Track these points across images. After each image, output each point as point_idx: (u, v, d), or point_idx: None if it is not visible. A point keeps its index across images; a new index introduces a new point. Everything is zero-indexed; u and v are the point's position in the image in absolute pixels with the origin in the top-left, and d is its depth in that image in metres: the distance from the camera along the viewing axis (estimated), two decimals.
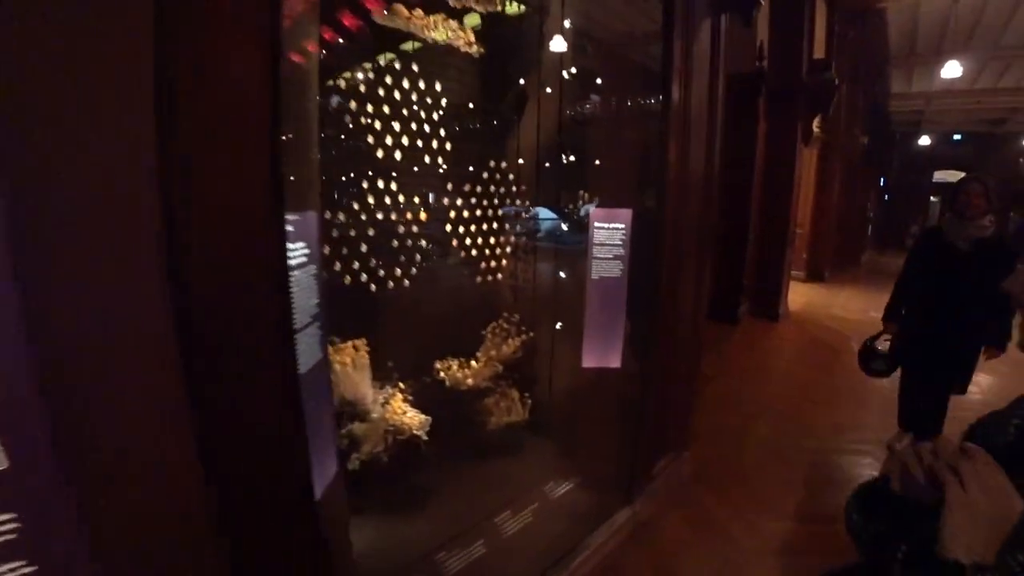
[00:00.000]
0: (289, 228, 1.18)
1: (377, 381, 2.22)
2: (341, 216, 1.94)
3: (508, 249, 2.68)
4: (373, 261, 2.08)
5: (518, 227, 2.77)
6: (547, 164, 2.74)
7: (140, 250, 0.85)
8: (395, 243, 2.16)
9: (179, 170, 0.85)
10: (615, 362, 2.38)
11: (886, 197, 18.20)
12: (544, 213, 3.00)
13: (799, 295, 7.53)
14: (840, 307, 7.35)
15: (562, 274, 2.65)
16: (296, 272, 1.24)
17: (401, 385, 2.19)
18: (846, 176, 9.59)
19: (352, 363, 1.94)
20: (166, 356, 0.91)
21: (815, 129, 6.76)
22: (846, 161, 9.36)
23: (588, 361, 2.38)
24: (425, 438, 2.06)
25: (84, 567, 0.79)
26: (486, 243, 2.59)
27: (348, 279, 1.98)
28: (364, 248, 2.03)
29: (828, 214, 8.82)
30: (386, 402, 2.10)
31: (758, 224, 6.33)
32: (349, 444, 1.98)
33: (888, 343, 3.08)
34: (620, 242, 2.34)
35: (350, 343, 2.00)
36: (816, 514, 2.81)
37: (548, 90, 2.73)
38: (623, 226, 2.34)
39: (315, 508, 1.27)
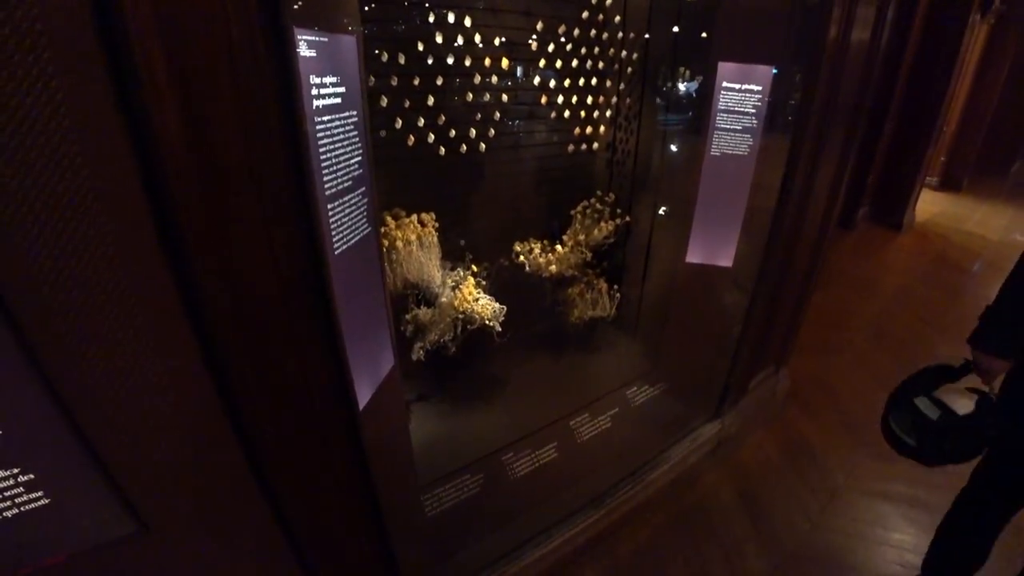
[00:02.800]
0: (308, 51, 0.84)
1: (447, 262, 1.97)
2: (401, 58, 1.55)
3: (608, 114, 2.21)
4: (442, 118, 1.72)
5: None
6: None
7: None
8: (470, 96, 1.77)
9: None
10: (726, 260, 1.97)
11: None
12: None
13: (928, 204, 6.45)
14: (977, 223, 6.23)
15: (673, 147, 2.16)
16: (325, 118, 0.92)
17: (474, 268, 1.92)
18: (1017, 64, 7.70)
19: (418, 240, 1.67)
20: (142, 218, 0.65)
21: None
22: (1023, 45, 7.45)
23: (693, 255, 1.99)
24: (499, 329, 1.82)
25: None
26: (581, 104, 2.13)
27: (411, 139, 1.65)
28: (431, 101, 1.65)
29: (983, 111, 7.23)
30: (456, 286, 1.85)
31: (898, 111, 5.23)
32: (414, 331, 1.78)
33: (978, 399, 1.40)
34: (753, 110, 1.82)
35: (414, 216, 1.71)
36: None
37: None
38: (760, 88, 1.80)
39: (356, 421, 1.06)
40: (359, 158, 1.05)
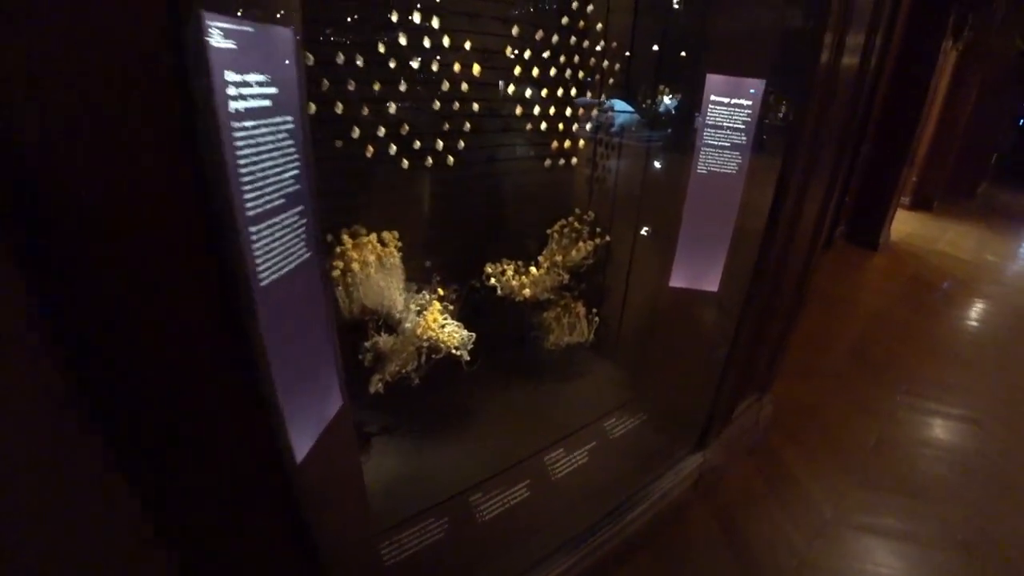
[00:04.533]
0: (224, 42, 0.69)
1: (412, 284, 1.82)
2: (359, 60, 1.40)
3: (587, 126, 2.09)
4: (405, 128, 1.57)
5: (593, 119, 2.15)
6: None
7: None
8: (436, 105, 1.62)
9: None
10: (712, 284, 1.86)
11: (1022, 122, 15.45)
12: (620, 106, 2.35)
13: (901, 223, 6.52)
14: (948, 243, 6.33)
15: (657, 164, 2.05)
16: (248, 124, 0.77)
17: (441, 291, 1.77)
18: (985, 89, 7.93)
19: (378, 261, 1.51)
20: None
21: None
22: (990, 70, 7.68)
23: (678, 279, 1.87)
24: (467, 358, 1.67)
25: None
26: (559, 116, 2.01)
27: (370, 150, 1.49)
28: (392, 108, 1.51)
29: (953, 133, 7.40)
30: (421, 311, 1.70)
31: (875, 133, 5.27)
32: (373, 360, 1.61)
33: None
34: (743, 126, 1.72)
35: (373, 236, 1.55)
36: (914, 488, 2.35)
37: None
38: (749, 104, 1.70)
39: (290, 478, 0.90)
40: (295, 171, 0.90)
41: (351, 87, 1.42)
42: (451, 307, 1.81)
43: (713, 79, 1.68)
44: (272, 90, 0.80)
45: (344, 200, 1.58)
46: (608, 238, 2.16)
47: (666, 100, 2.12)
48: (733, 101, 1.70)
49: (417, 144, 1.58)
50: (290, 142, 0.87)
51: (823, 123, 1.73)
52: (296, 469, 1.00)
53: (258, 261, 0.82)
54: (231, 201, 0.73)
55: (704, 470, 2.11)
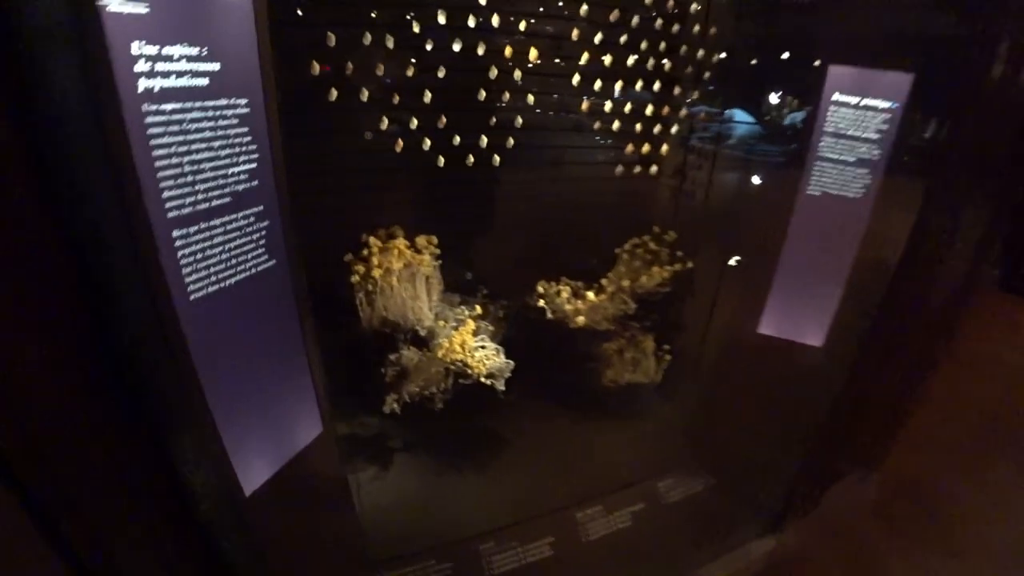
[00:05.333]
0: (129, 5, 0.54)
1: (454, 296, 1.65)
2: (390, 39, 1.22)
3: (673, 129, 1.76)
4: (442, 120, 1.36)
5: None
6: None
7: None
8: (482, 94, 1.41)
9: None
10: (815, 337, 1.48)
11: None
12: (740, 116, 2.00)
13: None
14: None
15: (757, 179, 1.69)
16: (169, 107, 0.62)
17: (478, 310, 1.57)
18: None
19: (404, 269, 1.35)
20: None
21: None
22: None
23: (769, 325, 1.51)
24: (501, 388, 1.46)
25: None
26: (638, 115, 1.70)
27: (400, 144, 1.32)
28: (429, 97, 1.33)
29: None
30: (458, 327, 1.51)
31: None
32: (397, 376, 1.46)
33: None
34: (877, 135, 1.33)
35: (399, 240, 1.39)
36: None
37: None
38: (889, 105, 1.30)
39: (239, 511, 0.77)
40: (250, 166, 0.74)
41: (380, 71, 1.25)
42: (491, 327, 1.60)
43: (838, 73, 1.31)
44: (210, 66, 0.64)
45: (372, 199, 1.44)
46: (690, 264, 1.82)
47: (794, 114, 1.78)
48: (865, 102, 1.31)
49: (456, 139, 1.39)
50: (242, 130, 0.71)
51: (987, 146, 1.29)
52: (244, 502, 0.87)
53: (187, 271, 0.67)
54: (139, 196, 0.59)
55: (777, 559, 1.71)
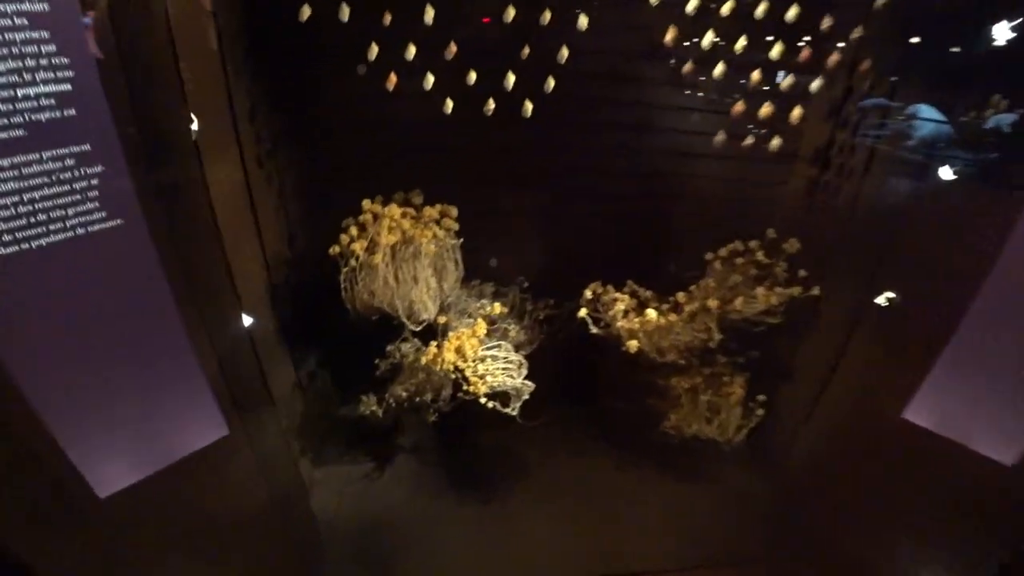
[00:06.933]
0: None
1: (489, 285, 1.35)
2: None
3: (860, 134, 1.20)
4: (452, 49, 1.00)
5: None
6: None
7: None
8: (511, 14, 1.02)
9: None
10: (999, 448, 0.91)
11: None
12: (926, 112, 1.37)
13: None
14: None
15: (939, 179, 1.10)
16: None
17: (497, 308, 1.23)
18: None
19: (402, 244, 1.07)
20: None
21: None
22: None
23: (921, 410, 0.97)
24: (512, 412, 1.13)
25: None
26: (768, 67, 1.17)
27: (392, 81, 1.00)
28: (431, 16, 0.97)
29: None
30: (476, 320, 1.20)
31: None
32: (389, 372, 1.21)
33: None
34: None
35: (393, 207, 1.10)
36: None
37: None
38: None
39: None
40: (60, 87, 0.51)
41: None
42: (519, 332, 1.27)
43: None
44: None
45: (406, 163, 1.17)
46: (816, 291, 1.28)
47: (1000, 116, 1.18)
48: None
49: (473, 77, 1.02)
50: (40, 34, 0.48)
51: None
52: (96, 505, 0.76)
53: None
54: None
55: None
